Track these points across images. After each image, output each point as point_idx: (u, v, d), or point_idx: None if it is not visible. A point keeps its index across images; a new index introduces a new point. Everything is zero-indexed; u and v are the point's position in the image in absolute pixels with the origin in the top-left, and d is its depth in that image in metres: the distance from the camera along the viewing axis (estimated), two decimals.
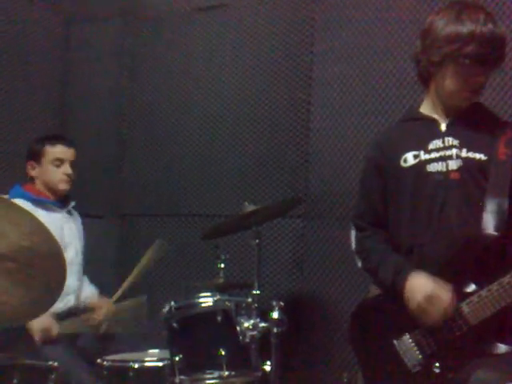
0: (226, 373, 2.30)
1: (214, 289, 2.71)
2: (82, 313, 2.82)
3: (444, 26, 1.94)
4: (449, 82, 1.95)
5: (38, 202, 2.75)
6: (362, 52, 3.06)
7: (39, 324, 2.54)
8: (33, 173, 2.85)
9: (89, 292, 2.95)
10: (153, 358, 2.51)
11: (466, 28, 1.89)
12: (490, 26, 1.89)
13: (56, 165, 2.82)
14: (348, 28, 3.11)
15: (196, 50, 3.51)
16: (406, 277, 1.93)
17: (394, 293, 1.96)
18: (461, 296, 1.86)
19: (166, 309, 2.45)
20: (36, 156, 2.84)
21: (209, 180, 3.42)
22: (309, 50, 3.22)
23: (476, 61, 1.89)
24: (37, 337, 2.55)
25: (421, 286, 1.89)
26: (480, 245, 1.88)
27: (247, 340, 2.36)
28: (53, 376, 2.19)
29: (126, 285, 2.85)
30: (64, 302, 2.73)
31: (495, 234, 1.86)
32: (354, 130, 3.07)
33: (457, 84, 1.94)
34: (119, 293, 2.85)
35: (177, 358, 2.35)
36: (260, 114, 3.32)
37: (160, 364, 2.43)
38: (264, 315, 2.39)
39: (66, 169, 2.84)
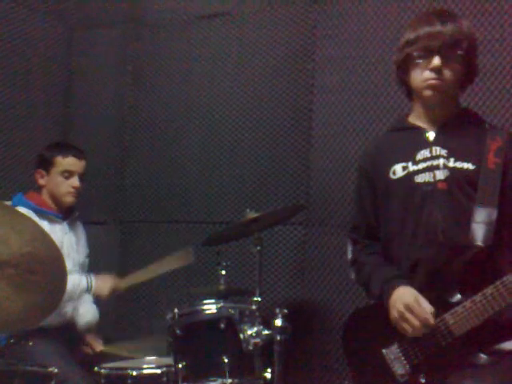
0: (229, 380, 2.30)
1: (215, 295, 2.71)
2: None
3: (402, 35, 2.06)
4: (412, 76, 2.02)
5: (39, 212, 2.73)
6: (364, 60, 3.07)
7: (105, 286, 2.72)
8: (41, 181, 2.82)
9: (91, 312, 2.91)
10: (151, 365, 2.50)
11: (415, 32, 2.00)
12: (438, 24, 1.96)
13: (65, 176, 2.79)
14: (349, 36, 3.12)
15: (198, 57, 3.52)
16: (392, 289, 1.94)
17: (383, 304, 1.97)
18: (446, 306, 1.86)
19: (170, 315, 2.46)
20: (46, 165, 2.81)
21: (210, 187, 3.42)
22: (310, 58, 3.23)
23: (425, 51, 1.97)
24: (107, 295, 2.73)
25: (403, 295, 1.90)
26: (467, 256, 1.88)
27: (250, 347, 2.36)
28: (52, 382, 2.20)
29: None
30: (61, 314, 2.72)
31: (482, 245, 1.86)
32: (356, 137, 3.07)
33: (419, 75, 2.00)
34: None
35: (180, 365, 2.35)
36: (262, 121, 3.33)
37: (158, 371, 2.43)
38: (267, 323, 2.39)
39: (75, 181, 2.81)
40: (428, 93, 2.00)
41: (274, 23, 3.32)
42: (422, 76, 1.99)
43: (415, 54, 1.99)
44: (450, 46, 1.96)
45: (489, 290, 1.78)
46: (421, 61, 1.98)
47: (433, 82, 1.98)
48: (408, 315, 1.87)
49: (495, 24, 2.74)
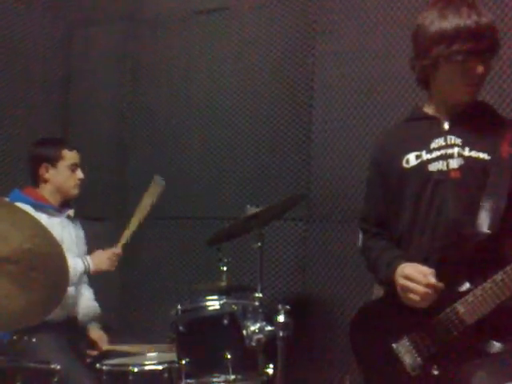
0: (233, 376, 2.31)
1: (217, 292, 2.71)
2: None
3: (429, 25, 1.91)
4: (448, 81, 1.94)
5: (37, 207, 2.74)
6: (364, 54, 3.06)
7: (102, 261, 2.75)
8: (46, 175, 2.85)
9: (91, 308, 2.94)
10: (152, 362, 2.50)
11: (450, 24, 1.87)
12: (475, 17, 1.86)
13: (72, 170, 2.87)
14: (349, 30, 3.11)
15: (197, 53, 3.52)
16: (395, 269, 1.92)
17: (391, 288, 1.95)
18: (455, 295, 1.85)
19: (173, 312, 2.46)
20: (52, 159, 2.85)
21: (211, 183, 3.42)
22: (310, 53, 3.22)
23: (468, 55, 1.87)
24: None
25: (403, 270, 1.90)
26: (473, 243, 1.86)
27: (253, 343, 2.36)
28: (55, 379, 2.19)
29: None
30: (62, 308, 2.70)
31: (488, 232, 1.84)
32: (356, 132, 3.07)
33: (456, 81, 1.92)
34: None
35: (183, 361, 2.35)
36: (262, 116, 3.32)
37: (160, 367, 2.42)
38: (270, 319, 2.39)
39: (80, 173, 2.89)
40: (463, 99, 1.96)
41: (274, 18, 3.32)
42: (461, 80, 1.91)
43: (457, 57, 1.87)
44: (492, 48, 1.91)
45: (498, 277, 1.77)
46: (458, 61, 1.88)
47: (471, 89, 1.94)
48: (409, 284, 1.86)
49: (495, 19, 2.72)
